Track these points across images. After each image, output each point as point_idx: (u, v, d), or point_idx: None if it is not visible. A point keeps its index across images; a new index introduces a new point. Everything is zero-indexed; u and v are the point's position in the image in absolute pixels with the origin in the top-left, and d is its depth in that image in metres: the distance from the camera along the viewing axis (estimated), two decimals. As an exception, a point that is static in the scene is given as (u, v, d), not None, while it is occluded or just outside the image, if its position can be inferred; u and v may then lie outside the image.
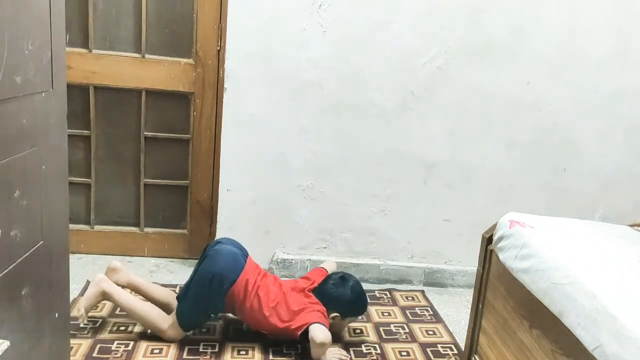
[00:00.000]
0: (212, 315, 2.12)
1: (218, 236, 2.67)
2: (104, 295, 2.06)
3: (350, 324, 2.29)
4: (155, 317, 2.07)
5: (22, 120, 1.12)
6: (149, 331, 2.11)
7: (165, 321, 2.06)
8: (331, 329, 2.05)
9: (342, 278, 2.18)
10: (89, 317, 2.13)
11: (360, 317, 2.29)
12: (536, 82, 2.63)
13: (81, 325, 2.06)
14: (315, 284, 2.18)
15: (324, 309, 2.10)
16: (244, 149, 2.58)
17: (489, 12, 2.54)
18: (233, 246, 2.13)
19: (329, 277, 2.21)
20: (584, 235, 1.74)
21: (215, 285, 2.00)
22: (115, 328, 2.13)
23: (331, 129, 2.60)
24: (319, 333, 1.98)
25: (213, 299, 2.02)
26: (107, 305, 2.27)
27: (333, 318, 2.11)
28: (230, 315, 2.19)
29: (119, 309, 2.18)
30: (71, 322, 1.97)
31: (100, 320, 2.16)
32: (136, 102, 2.62)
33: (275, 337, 2.11)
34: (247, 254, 2.15)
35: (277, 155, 2.60)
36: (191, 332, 2.11)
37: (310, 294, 2.14)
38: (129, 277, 2.18)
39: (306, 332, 2.01)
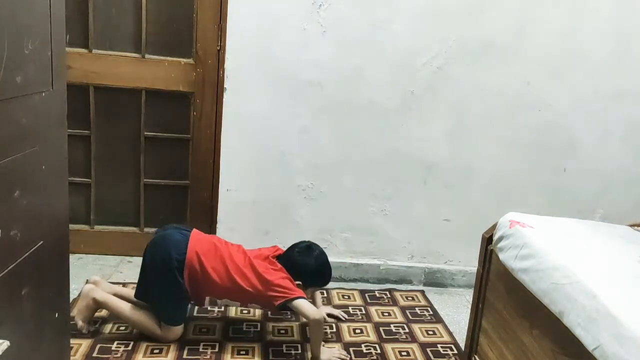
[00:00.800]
0: (185, 301, 2.07)
1: (218, 236, 2.67)
2: (97, 304, 2.06)
3: (350, 323, 2.30)
4: (148, 323, 2.06)
5: (22, 120, 1.12)
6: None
7: (159, 328, 2.06)
8: None
9: (307, 247, 2.16)
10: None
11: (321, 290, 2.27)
12: (536, 82, 2.64)
13: (86, 332, 2.06)
14: (279, 252, 2.15)
15: (289, 276, 2.05)
16: (244, 149, 2.58)
17: (489, 12, 2.54)
18: (168, 230, 2.11)
19: (294, 245, 2.19)
20: (584, 235, 1.74)
21: (164, 270, 1.97)
22: (115, 328, 2.13)
23: (331, 129, 2.60)
24: (311, 310, 1.99)
25: (172, 284, 1.97)
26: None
27: (299, 286, 2.07)
28: (211, 306, 2.19)
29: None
30: (75, 330, 1.99)
31: (100, 320, 2.16)
32: (136, 102, 2.62)
33: (251, 305, 2.11)
34: (190, 230, 2.10)
35: (277, 155, 2.60)
36: (182, 325, 2.09)
37: (274, 260, 2.10)
38: (112, 288, 2.17)
39: (284, 306, 2.01)
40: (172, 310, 2.06)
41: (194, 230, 2.11)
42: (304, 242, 2.21)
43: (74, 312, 2.05)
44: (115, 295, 2.13)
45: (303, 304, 2.00)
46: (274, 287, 1.99)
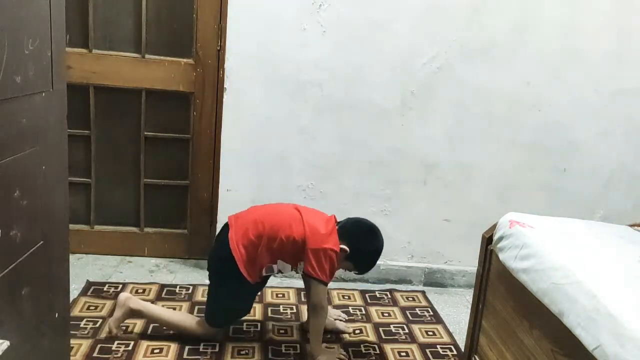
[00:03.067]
0: (239, 300, 2.07)
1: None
2: (133, 313, 2.06)
3: (350, 324, 2.30)
4: (187, 322, 2.09)
5: (22, 120, 1.12)
6: (149, 331, 2.11)
7: (199, 326, 2.07)
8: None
9: (375, 231, 2.08)
10: (89, 317, 2.15)
11: (357, 274, 2.20)
12: (536, 82, 2.64)
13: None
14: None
15: (337, 240, 1.98)
16: (244, 149, 2.58)
17: (489, 12, 2.54)
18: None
19: (361, 218, 2.13)
20: (584, 235, 1.74)
21: (218, 266, 2.01)
22: (115, 328, 2.13)
23: (331, 129, 2.60)
24: (323, 299, 1.97)
25: (228, 276, 1.98)
26: (107, 306, 2.27)
27: (342, 250, 1.99)
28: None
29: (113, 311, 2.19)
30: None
31: (100, 320, 2.16)
32: (136, 102, 2.62)
33: (300, 267, 2.00)
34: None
35: (277, 155, 2.60)
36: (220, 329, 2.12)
37: (334, 223, 2.03)
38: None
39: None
40: (224, 312, 2.08)
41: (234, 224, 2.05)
42: (369, 221, 2.11)
43: (110, 323, 2.06)
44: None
45: (319, 288, 1.96)
46: (315, 254, 1.93)
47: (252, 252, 1.95)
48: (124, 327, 2.10)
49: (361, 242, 2.04)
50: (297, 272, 2.06)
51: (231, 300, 2.06)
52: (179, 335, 2.09)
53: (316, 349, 2.02)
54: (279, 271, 2.05)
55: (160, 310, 2.14)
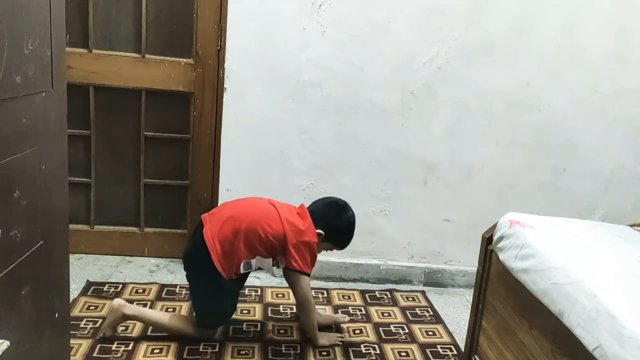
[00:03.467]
0: (223, 296, 2.06)
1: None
2: (126, 319, 2.06)
3: (350, 324, 2.30)
4: (184, 324, 2.08)
5: (22, 120, 1.12)
6: (149, 332, 2.11)
7: (194, 329, 2.07)
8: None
9: (342, 205, 2.14)
10: (89, 317, 2.15)
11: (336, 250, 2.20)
12: (536, 82, 2.64)
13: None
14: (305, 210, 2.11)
15: (314, 230, 2.02)
16: (244, 149, 2.58)
17: (489, 12, 2.54)
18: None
19: (325, 198, 2.19)
20: (583, 235, 1.74)
21: (195, 265, 2.00)
22: (115, 328, 2.13)
23: (331, 129, 2.60)
24: (307, 291, 2.03)
25: (205, 273, 1.96)
26: (107, 306, 2.26)
27: (319, 235, 2.04)
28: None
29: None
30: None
31: (100, 320, 2.16)
32: (136, 102, 2.62)
33: (280, 260, 2.03)
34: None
35: (277, 155, 2.60)
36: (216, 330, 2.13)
37: (305, 210, 2.08)
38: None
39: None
40: (208, 314, 2.08)
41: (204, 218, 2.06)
42: (335, 198, 2.18)
43: (103, 327, 2.06)
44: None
45: (303, 281, 2.01)
46: (297, 249, 1.97)
47: (227, 248, 1.95)
48: (123, 328, 2.10)
49: (334, 221, 2.10)
50: (277, 267, 2.08)
51: (211, 299, 2.05)
52: (179, 336, 2.08)
53: (314, 339, 2.10)
54: (259, 268, 2.06)
55: (155, 314, 2.13)
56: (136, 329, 2.12)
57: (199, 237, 1.97)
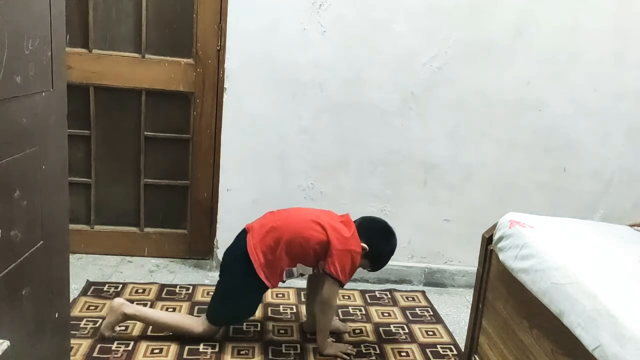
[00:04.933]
0: (251, 298, 2.07)
1: (218, 236, 2.68)
2: (126, 318, 2.05)
3: (350, 324, 2.30)
4: (186, 322, 2.09)
5: (22, 120, 1.12)
6: (149, 331, 2.11)
7: (198, 324, 2.07)
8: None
9: (391, 231, 2.13)
10: (89, 317, 2.15)
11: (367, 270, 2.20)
12: (536, 82, 2.64)
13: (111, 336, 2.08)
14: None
15: (359, 241, 2.02)
16: (244, 149, 2.58)
17: (489, 12, 2.53)
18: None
19: (376, 218, 2.19)
20: (583, 235, 1.74)
21: (235, 264, 2.02)
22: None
23: (331, 129, 2.60)
24: (333, 296, 2.01)
25: (244, 274, 1.98)
26: (107, 305, 2.27)
27: (362, 248, 2.03)
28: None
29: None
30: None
31: (100, 320, 2.16)
32: (136, 102, 2.62)
33: (320, 265, 2.02)
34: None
35: (277, 155, 2.60)
36: (220, 328, 2.13)
37: (352, 223, 2.07)
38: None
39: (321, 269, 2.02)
40: (227, 311, 2.08)
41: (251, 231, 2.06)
42: (384, 221, 2.17)
43: (102, 327, 2.06)
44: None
45: (333, 287, 2.00)
46: (341, 255, 1.97)
47: (270, 257, 1.97)
48: (123, 327, 2.10)
49: (379, 241, 2.10)
50: (318, 272, 2.06)
51: (238, 299, 2.06)
52: (179, 336, 2.08)
53: (322, 345, 2.07)
54: (300, 274, 2.07)
55: (156, 313, 2.13)
56: (136, 328, 2.12)
57: (242, 245, 2.00)
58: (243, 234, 2.05)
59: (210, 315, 2.07)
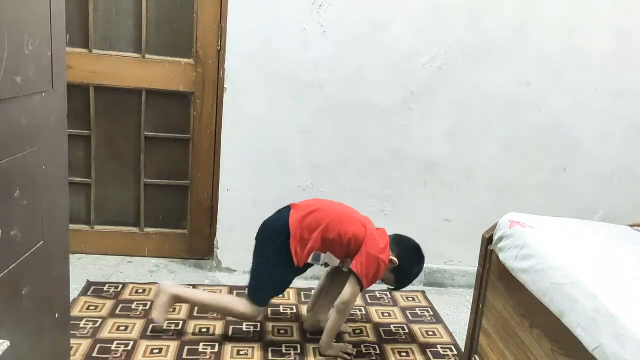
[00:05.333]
0: (284, 275, 2.09)
1: (218, 236, 2.68)
2: (176, 299, 2.10)
3: (350, 324, 2.30)
4: (232, 302, 2.13)
5: (22, 120, 1.12)
6: (148, 331, 2.11)
7: (241, 303, 2.09)
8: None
9: (421, 250, 2.18)
10: (89, 317, 2.15)
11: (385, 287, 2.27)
12: (536, 82, 2.64)
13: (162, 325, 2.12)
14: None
15: (389, 255, 2.06)
16: (244, 149, 2.58)
17: (489, 12, 2.54)
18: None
19: (411, 238, 2.21)
20: (583, 235, 1.74)
21: (272, 236, 2.05)
22: (115, 328, 2.13)
23: (331, 129, 2.60)
24: (352, 297, 2.02)
25: (278, 251, 2.01)
26: (107, 305, 2.27)
27: (391, 261, 2.08)
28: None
29: (118, 309, 2.20)
30: (154, 324, 2.07)
31: (100, 320, 2.16)
32: (136, 102, 2.62)
33: (345, 262, 2.06)
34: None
35: (277, 155, 2.60)
36: (264, 307, 2.15)
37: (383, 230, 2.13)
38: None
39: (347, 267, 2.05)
40: (264, 285, 2.09)
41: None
42: (417, 243, 2.20)
43: (153, 313, 2.09)
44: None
45: (355, 289, 2.02)
46: (369, 258, 1.99)
47: (306, 235, 2.00)
48: (123, 327, 2.10)
49: (409, 259, 2.15)
50: (342, 267, 2.08)
51: (272, 272, 2.07)
52: (180, 334, 2.09)
53: (325, 344, 2.08)
54: (326, 264, 2.09)
55: (201, 295, 2.20)
56: (136, 328, 2.12)
57: (285, 217, 2.03)
58: (286, 209, 2.08)
59: (250, 293, 2.09)
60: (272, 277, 2.09)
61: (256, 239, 2.12)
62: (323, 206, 2.08)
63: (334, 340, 2.15)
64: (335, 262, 2.06)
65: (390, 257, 2.07)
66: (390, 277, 2.15)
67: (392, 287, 2.23)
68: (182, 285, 2.27)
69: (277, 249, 2.02)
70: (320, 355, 2.08)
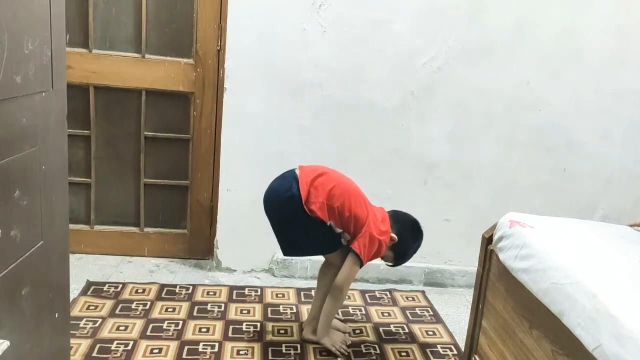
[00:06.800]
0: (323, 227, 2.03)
1: (218, 236, 2.68)
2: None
3: (350, 324, 2.30)
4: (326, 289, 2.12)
5: (22, 120, 1.12)
6: (148, 331, 2.11)
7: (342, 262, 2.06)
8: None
9: (419, 225, 2.17)
10: (89, 317, 2.15)
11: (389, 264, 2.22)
12: (536, 82, 2.64)
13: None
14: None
15: (389, 232, 2.05)
16: (244, 149, 2.58)
17: (489, 12, 2.54)
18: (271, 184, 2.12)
19: (408, 213, 2.19)
20: (584, 235, 1.74)
21: (291, 209, 1.98)
22: (115, 328, 2.13)
23: (331, 129, 2.60)
24: (348, 276, 2.02)
25: (303, 217, 1.96)
26: (107, 305, 2.27)
27: (391, 238, 2.07)
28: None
29: (118, 309, 2.21)
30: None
31: (100, 320, 2.16)
32: (136, 102, 2.62)
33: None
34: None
35: (277, 155, 2.60)
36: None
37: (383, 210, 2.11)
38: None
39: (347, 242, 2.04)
40: (324, 239, 2.04)
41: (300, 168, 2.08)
42: (415, 218, 2.18)
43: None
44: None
45: (354, 267, 2.01)
46: (370, 239, 1.98)
47: (312, 198, 1.96)
48: (123, 327, 2.10)
49: (407, 235, 2.12)
50: (341, 237, 2.06)
51: (304, 235, 2.03)
52: (179, 335, 2.09)
53: (322, 332, 2.07)
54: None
55: (325, 310, 2.12)
56: (135, 328, 2.12)
57: (290, 176, 2.01)
58: (291, 171, 2.06)
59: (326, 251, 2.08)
60: (311, 242, 2.06)
61: (272, 214, 2.08)
62: (330, 171, 2.05)
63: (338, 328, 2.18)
64: (346, 237, 2.05)
65: (391, 234, 2.06)
66: (389, 255, 2.13)
67: (391, 264, 2.21)
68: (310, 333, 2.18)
69: (295, 212, 1.97)
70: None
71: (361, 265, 2.02)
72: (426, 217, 2.72)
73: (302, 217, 1.95)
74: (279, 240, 2.08)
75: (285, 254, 2.11)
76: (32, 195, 1.17)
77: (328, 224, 1.99)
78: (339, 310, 2.42)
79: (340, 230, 2.02)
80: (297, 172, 2.04)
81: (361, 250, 1.98)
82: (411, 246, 2.16)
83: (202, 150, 2.69)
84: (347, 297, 2.57)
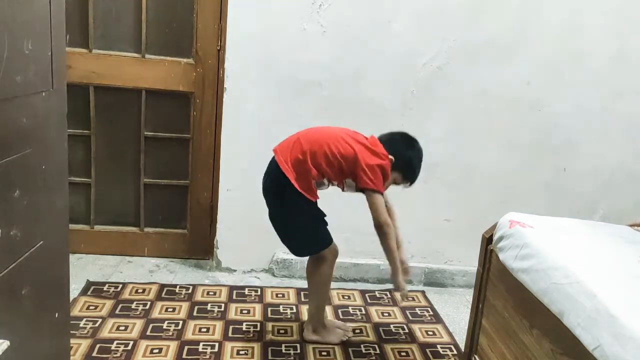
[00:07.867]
0: (316, 215, 2.09)
1: (218, 236, 2.68)
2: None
3: (350, 324, 2.30)
4: (315, 277, 2.14)
5: (22, 120, 1.12)
6: (148, 331, 2.12)
7: (315, 266, 2.12)
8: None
9: (413, 137, 2.13)
10: (89, 317, 2.15)
11: (405, 185, 2.18)
12: (536, 82, 2.64)
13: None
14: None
15: (385, 154, 2.01)
16: (244, 149, 2.58)
17: (489, 12, 2.54)
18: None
19: (394, 131, 2.15)
20: (584, 235, 1.74)
21: (278, 191, 2.03)
22: (115, 328, 2.13)
23: (331, 129, 2.59)
24: (382, 212, 2.00)
25: (293, 199, 1.99)
26: (107, 305, 2.27)
27: (390, 160, 2.03)
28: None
29: (118, 309, 2.21)
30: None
31: (100, 320, 2.16)
32: (136, 102, 2.62)
33: (348, 184, 2.06)
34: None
35: (277, 155, 2.60)
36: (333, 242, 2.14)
37: (376, 139, 2.07)
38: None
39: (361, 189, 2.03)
40: (314, 233, 2.08)
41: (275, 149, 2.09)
42: (404, 131, 2.15)
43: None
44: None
45: (379, 203, 1.99)
46: (370, 169, 1.97)
47: (300, 169, 1.97)
48: (123, 327, 2.10)
49: (402, 148, 2.08)
50: (342, 190, 2.08)
51: (304, 225, 2.06)
52: (179, 335, 2.09)
53: (396, 274, 2.07)
54: (330, 183, 2.07)
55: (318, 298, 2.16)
56: (135, 328, 2.13)
57: (274, 166, 2.02)
58: (273, 159, 2.06)
59: (300, 252, 2.11)
60: (311, 232, 2.08)
61: (272, 207, 2.10)
62: (302, 135, 2.03)
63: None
64: (335, 184, 2.06)
65: (388, 156, 2.03)
66: (397, 176, 2.09)
67: (407, 184, 2.16)
68: (312, 333, 2.20)
69: (292, 201, 1.99)
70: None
71: (381, 194, 1.99)
72: (426, 217, 2.75)
73: (300, 203, 1.99)
74: (288, 246, 2.12)
75: (296, 254, 2.15)
76: (32, 195, 1.17)
77: (325, 181, 2.01)
78: (339, 311, 2.42)
79: (344, 180, 2.02)
80: (275, 157, 2.04)
81: (371, 182, 1.96)
82: (410, 156, 2.09)
83: (202, 150, 2.69)
84: (347, 297, 2.57)
